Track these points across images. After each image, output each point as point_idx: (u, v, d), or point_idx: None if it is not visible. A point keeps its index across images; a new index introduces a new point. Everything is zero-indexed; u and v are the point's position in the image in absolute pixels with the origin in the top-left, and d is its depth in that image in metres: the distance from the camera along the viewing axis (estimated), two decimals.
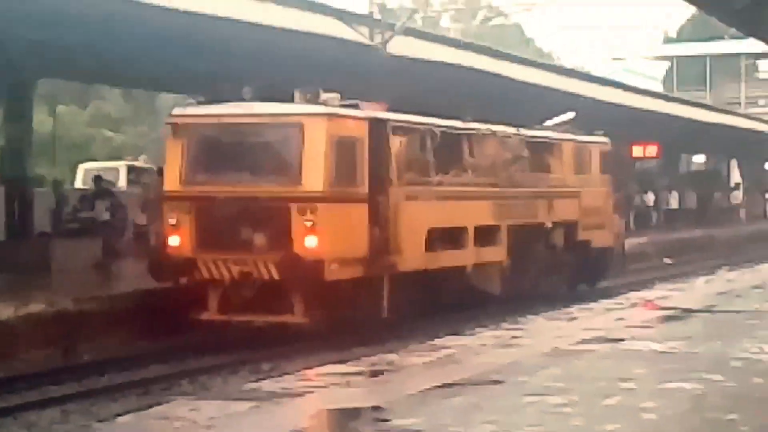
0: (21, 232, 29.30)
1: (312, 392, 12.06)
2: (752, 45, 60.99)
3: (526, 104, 38.38)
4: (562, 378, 12.33)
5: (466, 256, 26.12)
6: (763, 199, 79.02)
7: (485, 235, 26.74)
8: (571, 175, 30.81)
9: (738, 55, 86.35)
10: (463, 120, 27.15)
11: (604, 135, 33.31)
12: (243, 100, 23.07)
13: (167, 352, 21.36)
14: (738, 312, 19.43)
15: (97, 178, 34.71)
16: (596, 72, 71.83)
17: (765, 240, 56.96)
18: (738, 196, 77.02)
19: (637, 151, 54.18)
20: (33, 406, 17.19)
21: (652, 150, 55.36)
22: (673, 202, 65.85)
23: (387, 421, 10.18)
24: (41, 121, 47.50)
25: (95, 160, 50.15)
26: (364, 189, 22.84)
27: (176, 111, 24.28)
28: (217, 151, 22.89)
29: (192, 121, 23.17)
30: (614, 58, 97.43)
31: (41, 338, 20.94)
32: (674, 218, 62.88)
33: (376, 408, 10.77)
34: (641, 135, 53.27)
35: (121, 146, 60.72)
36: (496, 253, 27.15)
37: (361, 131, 22.94)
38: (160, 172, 26.34)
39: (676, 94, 76.15)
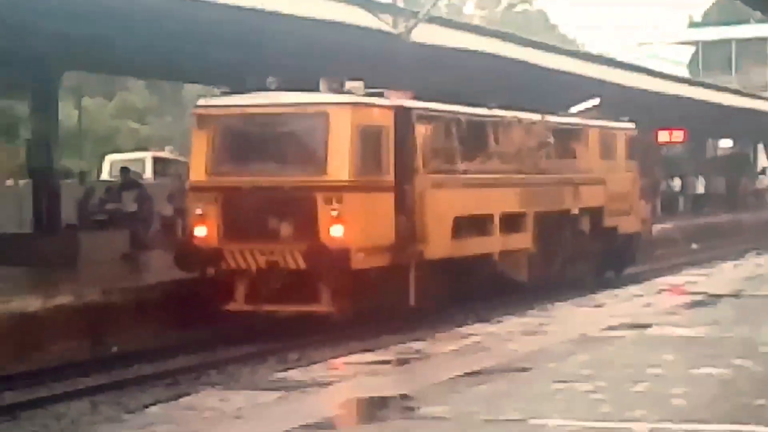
0: (48, 224, 29.37)
1: (339, 381, 12.08)
2: None
3: (551, 91, 38.30)
4: (590, 364, 12.32)
5: (492, 244, 26.10)
6: None
7: (511, 222, 26.73)
8: (597, 161, 30.76)
9: (764, 38, 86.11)
10: (489, 107, 27.12)
11: (630, 120, 33.26)
12: (268, 90, 23.09)
13: (195, 343, 21.42)
14: (766, 297, 19.39)
15: (124, 170, 34.74)
16: (621, 57, 71.59)
17: None
18: (765, 181, 76.73)
19: (663, 136, 53.96)
20: (62, 398, 17.25)
21: (678, 135, 55.15)
22: (700, 187, 65.64)
23: (415, 409, 10.19)
24: (67, 113, 47.65)
25: (121, 151, 50.26)
26: (390, 177, 22.84)
27: (201, 102, 24.32)
28: (243, 141, 22.91)
29: (217, 111, 23.20)
30: (639, 44, 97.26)
31: (70, 330, 21.00)
32: (701, 203, 62.70)
33: (404, 396, 10.78)
34: (667, 120, 53.06)
35: (146, 138, 60.86)
36: (523, 241, 27.13)
37: (387, 120, 22.94)
38: None
39: (701, 78, 75.94)
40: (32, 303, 20.71)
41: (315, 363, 15.60)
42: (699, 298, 19.31)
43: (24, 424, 15.79)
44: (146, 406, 13.24)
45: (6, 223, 32.81)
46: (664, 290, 21.18)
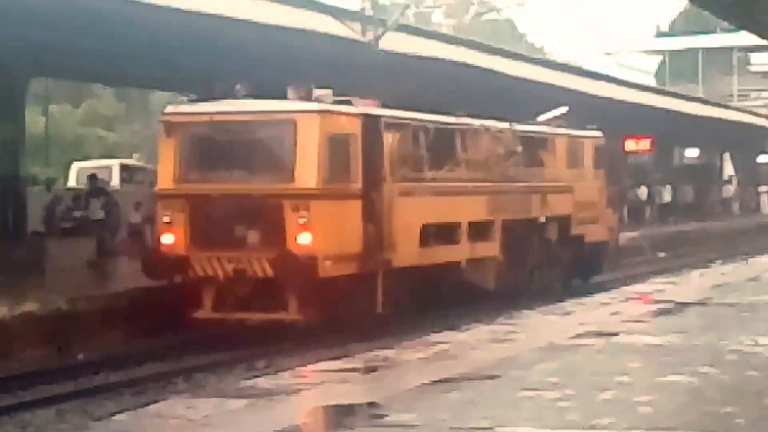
0: (14, 231, 29.29)
1: (308, 389, 12.07)
2: (744, 38, 61.14)
3: (519, 99, 38.41)
4: (557, 372, 12.34)
5: (460, 252, 26.14)
6: (755, 192, 79.15)
7: (479, 230, 26.78)
8: (564, 170, 30.83)
9: (730, 48, 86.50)
10: (456, 115, 27.16)
11: (597, 129, 33.33)
12: (236, 97, 23.07)
13: (162, 351, 21.36)
14: (732, 305, 19.45)
15: (91, 177, 34.67)
16: (589, 66, 71.91)
17: (758, 233, 57.05)
18: (731, 189, 77.15)
19: (630, 144, 54.27)
20: (28, 406, 17.18)
21: (645, 144, 55.46)
22: (667, 196, 65.89)
23: (383, 417, 10.18)
24: (34, 120, 47.48)
25: (89, 159, 50.13)
26: (358, 185, 22.85)
27: (169, 109, 24.27)
28: (211, 148, 22.90)
29: (185, 119, 23.16)
30: (607, 53, 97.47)
31: (36, 337, 20.94)
32: (668, 212, 62.97)
33: (372, 404, 10.77)
34: (634, 129, 53.36)
35: (114, 145, 60.77)
36: (490, 248, 27.16)
37: (354, 128, 22.94)
38: None
39: (668, 87, 76.24)
40: None
41: (283, 371, 15.57)
42: (666, 306, 19.36)
43: None
44: (113, 414, 13.20)
45: None
46: (631, 298, 21.23)
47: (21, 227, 29.52)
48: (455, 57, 39.65)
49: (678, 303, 19.62)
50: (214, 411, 10.76)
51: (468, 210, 26.48)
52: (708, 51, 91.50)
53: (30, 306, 21.25)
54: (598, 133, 33.19)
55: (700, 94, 78.44)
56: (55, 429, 15.52)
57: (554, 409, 10.38)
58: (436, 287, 25.13)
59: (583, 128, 32.71)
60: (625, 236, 39.40)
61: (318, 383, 12.41)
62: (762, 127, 76.63)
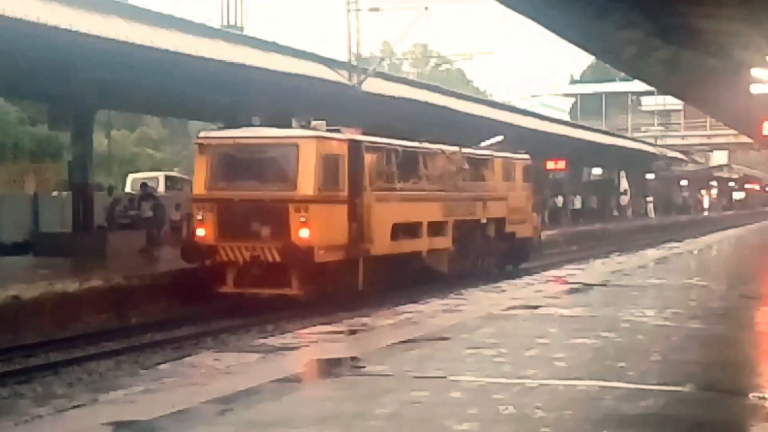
0: (84, 226, 29.19)
1: (306, 346, 12.06)
2: (637, 85, 61.29)
3: (467, 129, 38.41)
4: (494, 335, 12.35)
5: (421, 244, 26.16)
6: (644, 201, 79.40)
7: (436, 228, 26.81)
8: (500, 183, 30.87)
9: (626, 92, 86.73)
10: (419, 141, 27.21)
11: (526, 153, 33.39)
12: (253, 125, 23.13)
13: (196, 316, 21.34)
14: (626, 286, 19.50)
15: (142, 185, 34.62)
16: (519, 105, 71.94)
17: (646, 232, 57.25)
18: (626, 199, 77.36)
19: (550, 165, 54.27)
20: (92, 358, 17.17)
21: (561, 164, 55.52)
22: (577, 204, 66.06)
23: (362, 368, 10.18)
24: (99, 141, 47.30)
25: (141, 171, 49.99)
26: (345, 193, 22.85)
27: (202, 134, 24.21)
28: (233, 164, 22.85)
29: (214, 141, 23.14)
30: (533, 95, 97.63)
31: (99, 305, 20.90)
32: (578, 216, 63.06)
33: (354, 358, 10.77)
34: (553, 153, 53.39)
35: (160, 161, 60.61)
36: (444, 242, 27.20)
37: (342, 149, 22.96)
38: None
39: (579, 122, 76.39)
40: (71, 285, 20.58)
41: (287, 333, 15.58)
42: (576, 286, 19.39)
43: (63, 377, 15.69)
44: (158, 364, 13.16)
45: (52, 224, 32.65)
46: (550, 280, 21.24)
47: (89, 222, 29.41)
48: (419, 97, 39.69)
49: (585, 284, 19.65)
50: (235, 362, 10.75)
51: (428, 212, 26.49)
52: (609, 94, 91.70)
53: (95, 282, 21.21)
54: (526, 156, 33.24)
55: (603, 127, 78.57)
56: (113, 375, 15.48)
57: (492, 363, 10.39)
58: (403, 270, 25.15)
59: (515, 152, 32.77)
60: (546, 233, 39.44)
61: (313, 342, 12.40)
62: (649, 153, 76.90)
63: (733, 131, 69.15)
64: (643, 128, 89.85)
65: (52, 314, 19.66)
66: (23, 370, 16.03)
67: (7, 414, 8.51)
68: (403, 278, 24.87)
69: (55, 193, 38.80)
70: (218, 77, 28.45)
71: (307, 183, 21.97)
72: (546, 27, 22.75)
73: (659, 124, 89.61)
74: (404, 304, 16.97)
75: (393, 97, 37.11)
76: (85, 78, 26.41)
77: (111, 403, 8.62)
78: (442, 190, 27.27)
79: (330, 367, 10.41)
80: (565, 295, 17.86)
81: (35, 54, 23.18)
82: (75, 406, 8.48)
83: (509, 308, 15.41)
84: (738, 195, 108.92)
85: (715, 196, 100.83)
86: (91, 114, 31.16)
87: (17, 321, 18.84)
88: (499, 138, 32.74)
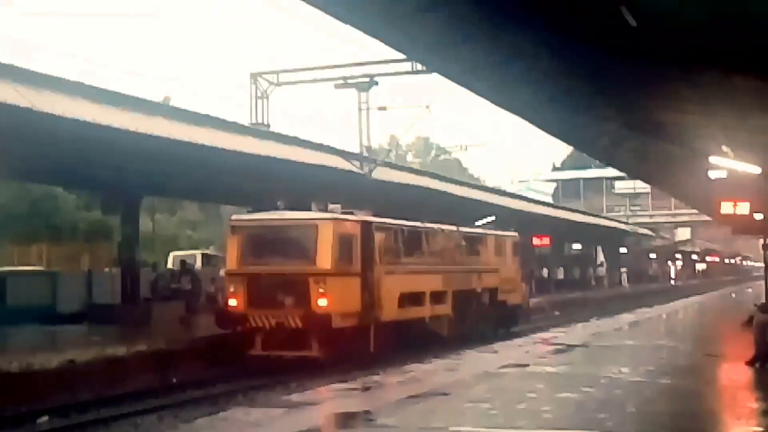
0: (131, 297, 29.19)
1: (325, 402, 12.02)
2: (610, 171, 61.59)
3: (463, 211, 38.50)
4: (489, 391, 12.30)
5: (425, 311, 26.08)
6: (619, 272, 79.22)
7: (437, 296, 26.74)
8: (493, 257, 30.86)
9: (601, 178, 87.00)
10: (422, 221, 27.26)
11: (514, 231, 33.43)
12: (277, 209, 23.20)
13: (228, 376, 21.22)
14: (604, 346, 19.44)
15: (182, 261, 34.66)
16: (509, 189, 72.13)
17: (621, 299, 56.98)
18: (602, 271, 77.16)
19: (536, 241, 54.28)
20: (139, 413, 17.07)
21: (546, 240, 55.53)
22: (560, 275, 65.90)
23: (374, 420, 10.13)
24: (145, 224, 47.46)
25: (180, 249, 50.05)
26: (358, 267, 22.84)
27: (234, 217, 24.32)
28: (261, 243, 22.88)
29: (244, 223, 23.22)
30: (520, 180, 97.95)
31: (144, 367, 20.81)
32: (561, 285, 62.83)
33: (366, 412, 10.73)
34: (538, 230, 53.42)
35: (197, 240, 60.64)
36: (445, 309, 27.11)
37: (355, 229, 23.00)
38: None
39: (561, 203, 76.55)
40: (119, 350, 20.54)
41: (308, 390, 15.51)
42: (560, 347, 19.33)
43: (113, 431, 15.61)
44: (195, 418, 13.11)
45: (104, 297, 32.62)
46: (537, 342, 21.20)
47: (136, 295, 29.40)
48: (421, 183, 39.84)
49: (568, 345, 19.60)
50: (263, 416, 10.71)
51: (430, 283, 26.45)
52: (587, 180, 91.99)
53: (141, 347, 21.16)
54: (515, 234, 33.28)
55: (582, 208, 78.70)
56: (156, 428, 15.40)
57: (487, 415, 10.34)
58: (409, 334, 25.04)
59: (505, 230, 32.81)
60: (533, 301, 39.34)
61: (331, 398, 12.36)
62: (622, 230, 76.91)
63: (694, 210, 69.18)
64: (616, 208, 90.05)
65: (103, 375, 19.59)
66: (78, 425, 15.99)
67: None
68: (409, 341, 24.75)
69: (106, 270, 38.81)
70: (248, 168, 28.58)
71: (325, 259, 21.99)
72: (531, 122, 22.93)
73: (631, 205, 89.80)
74: (410, 364, 16.94)
75: (399, 184, 37.24)
76: (133, 169, 26.57)
77: None
78: (442, 264, 27.25)
79: (346, 420, 10.36)
80: (551, 355, 17.78)
81: (90, 149, 23.35)
82: None
83: (502, 367, 15.35)
84: (700, 266, 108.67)
85: (680, 267, 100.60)
86: (138, 200, 31.30)
87: (73, 381, 18.77)
88: (491, 218, 32.90)
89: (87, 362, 19.32)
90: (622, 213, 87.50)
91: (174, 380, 20.97)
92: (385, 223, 24.62)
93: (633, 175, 48.83)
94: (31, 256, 44.64)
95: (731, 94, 16.10)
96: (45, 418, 16.34)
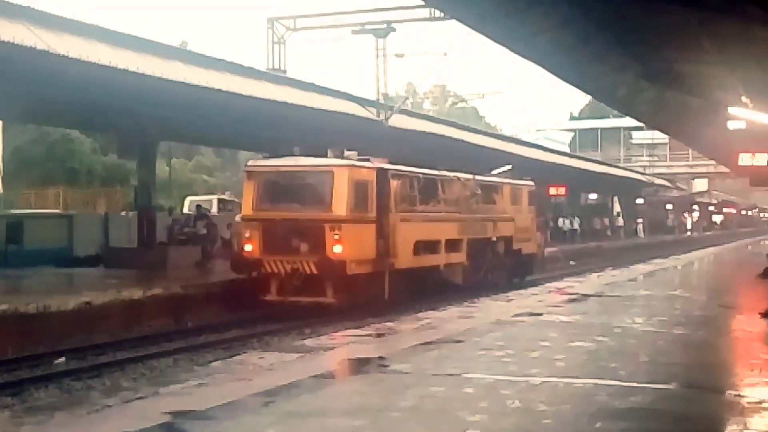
0: (147, 242, 29.33)
1: (339, 347, 12.07)
2: (628, 121, 61.25)
3: (479, 159, 38.44)
4: (502, 339, 12.34)
5: (439, 259, 26.11)
6: (635, 222, 79.07)
7: (452, 245, 26.75)
8: (508, 206, 30.82)
9: (619, 128, 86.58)
10: (438, 169, 27.20)
11: (531, 180, 33.35)
12: (293, 155, 23.17)
13: (243, 321, 21.36)
14: (618, 296, 19.44)
15: (198, 206, 34.75)
16: (526, 138, 71.87)
17: (636, 250, 56.97)
18: (619, 221, 77.04)
19: (552, 190, 54.15)
20: (154, 356, 17.22)
21: (562, 190, 55.38)
22: (576, 225, 65.83)
23: (387, 366, 10.19)
24: (161, 169, 47.59)
25: (196, 194, 50.19)
26: (373, 214, 22.85)
27: (250, 162, 24.30)
28: (277, 188, 22.89)
29: (260, 169, 23.21)
30: (537, 129, 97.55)
31: (160, 311, 20.97)
32: (576, 235, 62.81)
33: (380, 358, 10.78)
34: (555, 180, 53.34)
35: (213, 185, 60.80)
36: (460, 257, 27.13)
37: (371, 176, 22.97)
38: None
39: (578, 153, 76.27)
40: (136, 293, 20.67)
41: (322, 335, 15.59)
42: (574, 296, 19.34)
43: (128, 373, 15.74)
44: (210, 362, 13.22)
45: (120, 241, 32.82)
46: (551, 291, 21.21)
47: (152, 239, 29.54)
48: (438, 131, 39.75)
49: (582, 294, 19.61)
50: (277, 361, 10.78)
51: (445, 231, 26.46)
52: (604, 129, 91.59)
53: (157, 290, 21.29)
54: (531, 183, 33.20)
55: (599, 158, 78.43)
56: (171, 371, 15.53)
57: (500, 362, 10.38)
58: (424, 282, 25.12)
59: (521, 179, 32.74)
60: (548, 250, 39.36)
61: (345, 343, 12.41)
62: (639, 180, 76.69)
63: (712, 162, 68.87)
64: (633, 159, 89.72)
65: (120, 318, 19.75)
66: (94, 366, 16.11)
67: (80, 404, 8.58)
68: (424, 288, 24.83)
69: (122, 213, 39.01)
70: (264, 113, 28.57)
71: (340, 205, 22.00)
72: (548, 70, 22.76)
73: (648, 155, 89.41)
74: (424, 311, 16.99)
75: (415, 131, 37.18)
76: (150, 113, 26.60)
77: (170, 395, 8.66)
78: (457, 212, 27.24)
79: (359, 366, 10.42)
80: (565, 304, 17.80)
81: (107, 92, 23.35)
82: (139, 398, 8.54)
83: (516, 315, 15.39)
84: (717, 218, 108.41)
85: (696, 218, 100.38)
86: (155, 145, 31.36)
87: (89, 324, 18.94)
88: (508, 167, 32.73)
89: (103, 305, 19.46)
90: (639, 164, 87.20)
91: (189, 324, 21.12)
92: (400, 170, 24.59)
93: (651, 126, 48.52)
94: (48, 200, 44.92)
95: (751, 45, 15.93)
96: (62, 360, 16.49)
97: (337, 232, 21.72)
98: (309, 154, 23.09)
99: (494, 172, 31.93)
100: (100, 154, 53.49)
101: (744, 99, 22.14)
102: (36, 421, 7.67)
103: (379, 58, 35.25)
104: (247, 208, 23.12)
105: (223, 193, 49.82)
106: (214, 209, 42.52)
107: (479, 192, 28.78)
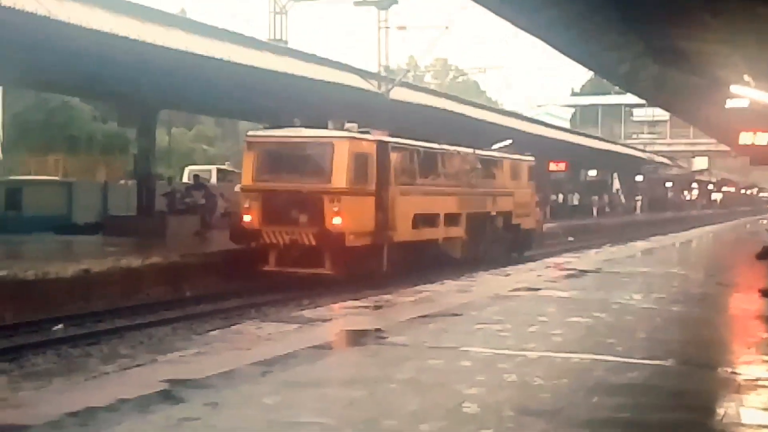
0: (146, 210, 29.35)
1: (337, 319, 12.09)
2: (629, 98, 61.09)
3: (480, 134, 38.38)
4: (500, 313, 12.35)
5: (438, 233, 26.13)
6: (633, 199, 79.11)
7: (451, 219, 26.76)
8: (508, 181, 30.81)
9: (620, 104, 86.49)
10: (438, 143, 27.16)
11: (531, 155, 33.32)
12: (294, 126, 23.14)
13: (241, 291, 21.40)
14: (616, 273, 19.46)
15: (197, 176, 34.74)
16: (526, 113, 71.76)
17: (635, 226, 57.01)
18: (618, 198, 77.05)
19: (552, 166, 54.15)
20: (152, 324, 17.27)
21: (561, 166, 55.37)
22: (575, 201, 65.86)
23: (385, 338, 10.20)
24: (161, 138, 47.49)
25: (196, 164, 50.10)
26: (373, 187, 22.85)
27: (250, 133, 24.28)
28: (277, 159, 22.89)
29: (261, 139, 23.20)
30: (538, 105, 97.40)
31: (158, 280, 20.99)
32: (575, 211, 62.86)
33: (378, 330, 10.79)
34: (555, 155, 53.29)
35: (213, 155, 60.72)
36: (458, 231, 27.15)
37: (371, 149, 22.96)
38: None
39: (578, 129, 76.14)
40: (134, 261, 20.69)
41: (320, 307, 15.62)
42: (572, 272, 19.35)
43: (127, 340, 15.77)
44: (208, 331, 13.22)
45: (119, 209, 32.84)
46: (549, 267, 21.21)
47: (151, 208, 29.56)
48: (439, 105, 39.67)
49: (580, 270, 19.62)
50: (275, 331, 10.78)
51: (444, 205, 26.46)
52: (605, 106, 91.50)
53: (155, 259, 21.31)
54: (531, 158, 33.16)
55: (599, 134, 78.32)
56: (170, 340, 15.54)
57: (498, 336, 10.40)
58: (422, 255, 25.14)
59: (521, 154, 32.70)
60: (547, 226, 39.37)
61: (343, 315, 12.42)
62: (639, 158, 76.64)
63: (713, 140, 68.79)
64: (634, 136, 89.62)
65: (118, 286, 19.78)
66: (92, 333, 16.16)
67: (78, 371, 8.59)
68: (422, 262, 24.86)
69: (122, 182, 39.02)
70: (265, 84, 28.50)
71: (340, 177, 22.00)
72: (551, 45, 22.68)
73: (648, 133, 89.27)
74: (422, 284, 16.98)
75: (416, 104, 37.10)
76: (150, 82, 26.52)
77: (168, 363, 8.67)
78: (457, 186, 27.23)
79: (357, 337, 10.43)
80: (563, 280, 17.82)
81: (107, 60, 23.28)
82: (137, 365, 8.54)
83: (514, 290, 15.40)
84: (716, 196, 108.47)
85: (696, 196, 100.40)
86: (155, 113, 31.31)
87: (88, 291, 18.96)
88: (508, 142, 32.77)
89: (102, 272, 19.48)
90: (639, 141, 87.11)
91: (188, 293, 21.15)
92: (401, 143, 24.56)
93: (652, 103, 48.44)
94: (48, 166, 44.85)
95: (754, 22, 15.88)
96: (60, 326, 16.52)
97: (336, 203, 21.73)
98: (309, 125, 23.07)
99: (495, 146, 31.90)
100: (100, 121, 53.37)
101: (746, 77, 22.09)
102: (33, 387, 7.68)
103: (381, 30, 35.15)
104: (246, 179, 23.10)
105: (223, 164, 49.78)
106: (214, 179, 42.47)
107: (479, 166, 28.76)
